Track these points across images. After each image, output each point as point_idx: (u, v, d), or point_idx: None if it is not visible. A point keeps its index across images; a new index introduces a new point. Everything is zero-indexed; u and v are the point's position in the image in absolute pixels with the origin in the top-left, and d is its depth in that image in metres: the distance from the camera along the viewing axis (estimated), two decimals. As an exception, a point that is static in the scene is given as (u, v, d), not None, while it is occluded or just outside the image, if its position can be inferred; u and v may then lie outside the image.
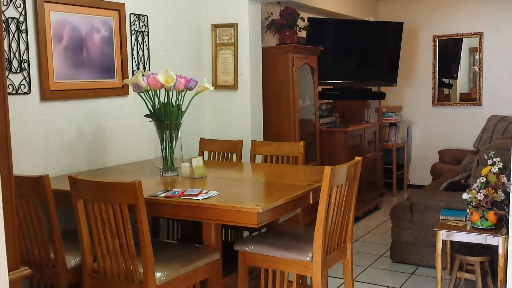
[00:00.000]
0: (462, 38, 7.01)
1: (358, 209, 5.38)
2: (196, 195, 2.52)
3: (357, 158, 2.80)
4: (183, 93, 3.17)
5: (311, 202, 2.73)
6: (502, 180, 3.42)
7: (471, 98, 7.13)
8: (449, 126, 7.07)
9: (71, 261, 2.67)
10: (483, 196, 3.41)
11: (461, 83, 7.36)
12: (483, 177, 3.46)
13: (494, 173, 3.45)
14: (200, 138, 4.15)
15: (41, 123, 3.18)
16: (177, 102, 3.13)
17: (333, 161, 5.42)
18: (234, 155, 3.93)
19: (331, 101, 6.26)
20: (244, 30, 4.34)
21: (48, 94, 3.19)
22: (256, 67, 4.46)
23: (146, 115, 3.15)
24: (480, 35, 6.81)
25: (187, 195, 2.53)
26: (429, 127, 7.20)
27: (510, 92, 6.66)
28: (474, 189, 3.54)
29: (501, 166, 3.46)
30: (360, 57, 6.21)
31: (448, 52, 7.23)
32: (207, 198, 2.48)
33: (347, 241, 2.87)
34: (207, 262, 2.60)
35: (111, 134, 3.65)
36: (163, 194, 2.57)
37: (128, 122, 3.78)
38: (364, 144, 5.89)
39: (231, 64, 4.39)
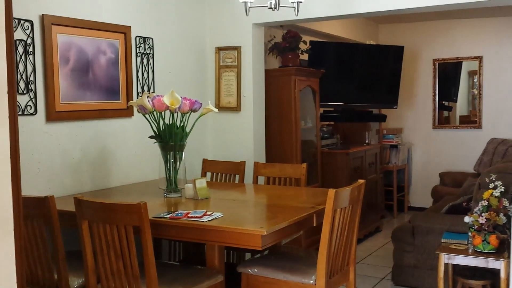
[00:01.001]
0: (461, 62, 7.09)
1: (359, 231, 5.36)
2: (201, 217, 2.53)
3: (360, 181, 2.82)
4: (188, 114, 3.21)
5: (314, 224, 2.74)
6: (504, 204, 3.44)
7: (471, 120, 7.18)
8: (449, 148, 7.11)
9: (75, 282, 2.67)
10: (485, 220, 3.42)
11: (461, 106, 7.42)
12: (485, 201, 3.48)
13: (495, 197, 3.46)
14: (203, 159, 4.18)
15: (46, 143, 3.21)
16: (182, 124, 3.17)
17: (334, 183, 5.44)
18: (237, 176, 3.95)
19: (332, 123, 6.31)
20: (247, 52, 4.39)
21: (53, 115, 3.22)
22: (259, 89, 4.51)
23: (151, 137, 3.18)
24: (479, 58, 6.89)
25: (192, 217, 2.54)
26: (430, 149, 7.24)
27: (510, 115, 6.71)
28: (476, 212, 3.55)
29: (503, 190, 3.48)
30: (361, 79, 6.28)
31: (447, 75, 7.31)
32: (211, 220, 2.50)
33: (350, 264, 2.87)
34: (210, 285, 2.60)
35: (115, 155, 3.67)
36: (168, 216, 2.58)
37: (132, 143, 3.81)
38: (365, 166, 5.91)
39: (234, 86, 4.44)
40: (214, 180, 4.06)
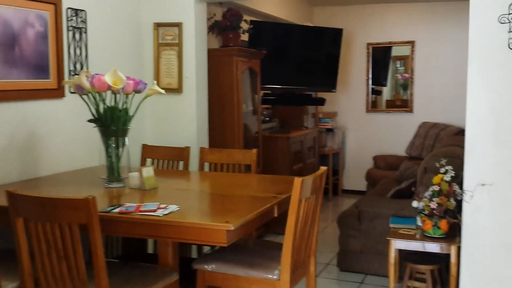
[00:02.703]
0: (391, 47, 7.17)
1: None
2: (155, 211, 2.27)
3: (322, 169, 2.66)
4: (131, 96, 2.90)
5: (275, 215, 2.55)
6: (454, 188, 3.43)
7: (396, 105, 7.29)
8: (382, 132, 7.20)
9: (8, 286, 2.32)
10: (437, 205, 3.40)
11: (389, 90, 7.55)
12: (437, 186, 3.46)
13: (446, 181, 3.45)
14: (143, 145, 3.86)
15: (-35, 128, 2.78)
16: (125, 106, 2.85)
17: (275, 167, 5.30)
18: (181, 163, 3.68)
19: (270, 106, 6.15)
20: (189, 30, 4.10)
21: (-27, 95, 2.79)
22: (202, 70, 4.23)
23: (90, 120, 2.84)
24: (412, 43, 6.99)
25: (144, 211, 2.27)
26: (363, 133, 7.30)
27: (440, 100, 6.88)
28: (426, 197, 3.53)
29: (454, 174, 3.48)
30: (301, 62, 6.15)
31: (379, 59, 7.38)
32: (167, 213, 2.24)
33: (311, 256, 2.73)
34: (165, 285, 2.35)
35: (45, 140, 3.28)
36: (117, 210, 2.29)
37: (64, 127, 3.43)
38: (305, 150, 5.83)
39: (175, 66, 4.13)
40: (155, 167, 3.76)
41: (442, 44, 6.79)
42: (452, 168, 3.49)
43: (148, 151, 3.83)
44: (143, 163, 3.80)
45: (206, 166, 3.69)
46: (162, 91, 3.03)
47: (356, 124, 7.32)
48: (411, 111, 7.08)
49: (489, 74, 3.19)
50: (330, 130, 6.93)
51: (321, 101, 6.37)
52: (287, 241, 2.35)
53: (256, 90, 5.18)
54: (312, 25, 6.51)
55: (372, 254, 4.13)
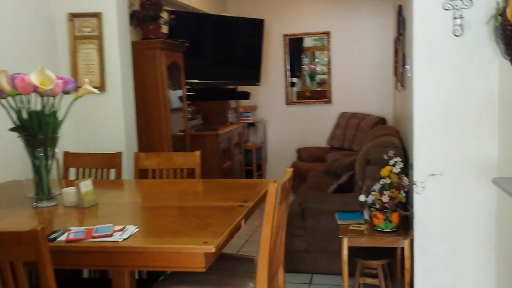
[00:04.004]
0: (303, 38, 7.10)
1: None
2: (111, 235, 1.89)
3: (289, 170, 2.42)
4: (58, 98, 2.46)
5: (243, 226, 2.27)
6: (403, 180, 3.36)
7: (306, 96, 7.24)
8: (303, 124, 7.13)
9: None
10: (388, 198, 3.31)
11: (302, 82, 7.51)
12: (387, 178, 3.36)
13: (396, 174, 3.37)
14: (64, 152, 3.38)
15: None
16: (52, 110, 2.41)
17: (205, 167, 4.99)
18: (112, 171, 3.26)
19: (190, 102, 5.80)
20: (110, 20, 3.65)
21: None
22: (127, 65, 3.81)
23: (12, 129, 2.36)
24: (327, 34, 6.97)
25: (98, 236, 1.88)
26: (284, 126, 7.18)
27: (358, 90, 6.93)
28: (375, 190, 3.43)
29: (403, 166, 3.40)
30: (221, 55, 5.87)
31: (295, 51, 7.29)
32: (127, 237, 1.88)
33: (280, 266, 2.49)
34: (125, 320, 1.99)
35: None
36: (63, 238, 1.88)
37: (-30, 137, 2.88)
38: (232, 147, 5.57)
39: (96, 61, 3.67)
40: (80, 177, 3.31)
41: (357, 34, 6.84)
42: (400, 160, 3.42)
43: (71, 160, 3.36)
44: (65, 174, 3.33)
45: (143, 173, 3.31)
46: (96, 90, 2.61)
47: (276, 117, 7.19)
48: (330, 102, 7.07)
49: (434, 61, 3.13)
50: (251, 125, 6.73)
51: (246, 95, 6.14)
52: (263, 255, 2.09)
53: (180, 86, 4.83)
54: (231, 16, 6.23)
55: (318, 252, 3.98)
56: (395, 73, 5.51)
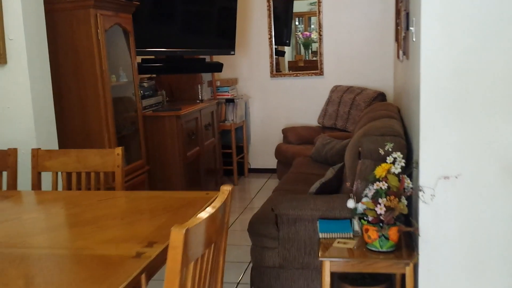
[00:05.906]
0: (292, 0, 6.17)
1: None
2: None
3: (225, 189, 1.53)
4: None
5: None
6: (405, 183, 2.47)
7: (299, 66, 6.36)
8: (290, 99, 6.19)
9: None
10: (385, 209, 2.42)
11: (291, 51, 6.60)
12: (383, 182, 2.46)
13: (395, 175, 2.47)
14: None
15: None
16: None
17: (163, 156, 4.10)
18: (4, 174, 2.37)
19: (154, 75, 4.87)
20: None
21: None
22: (36, 29, 2.86)
23: None
24: (319, -5, 5.97)
25: None
26: (268, 101, 6.24)
27: (352, 60, 5.96)
28: (367, 196, 2.54)
29: (404, 164, 2.51)
30: (189, 19, 4.88)
31: (283, 15, 6.32)
32: None
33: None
34: None
35: None
36: None
37: None
38: (201, 129, 4.66)
39: (-7, 23, 2.74)
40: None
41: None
42: (401, 155, 2.51)
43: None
44: None
45: (47, 177, 2.42)
46: None
47: (259, 92, 6.24)
48: (321, 73, 6.11)
49: (447, 20, 2.22)
50: (230, 101, 5.79)
51: (218, 67, 5.18)
52: None
53: (130, 55, 3.89)
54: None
55: (295, 269, 3.11)
56: (396, 39, 4.55)
